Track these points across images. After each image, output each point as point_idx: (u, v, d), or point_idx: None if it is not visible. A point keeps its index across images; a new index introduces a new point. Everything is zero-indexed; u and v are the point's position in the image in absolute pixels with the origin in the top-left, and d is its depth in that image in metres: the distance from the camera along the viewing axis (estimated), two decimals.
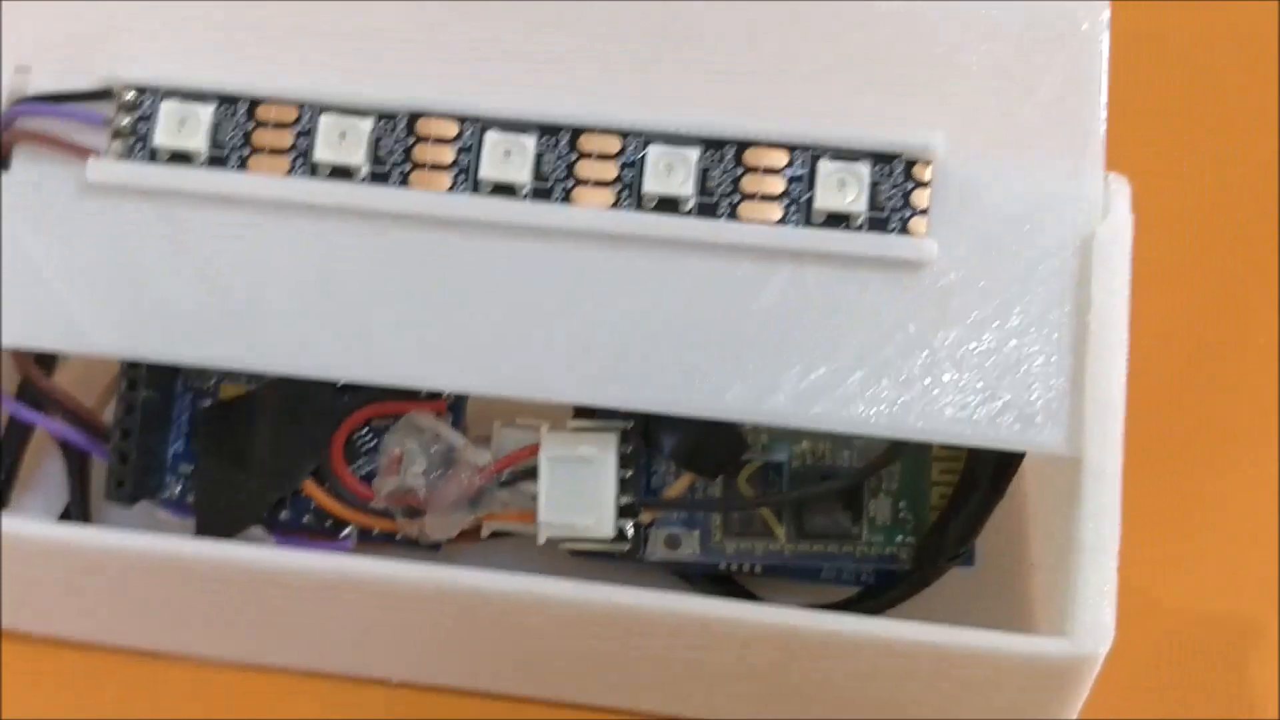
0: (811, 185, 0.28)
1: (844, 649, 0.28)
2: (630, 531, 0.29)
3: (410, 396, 0.30)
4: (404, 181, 0.29)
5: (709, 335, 0.28)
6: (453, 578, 0.28)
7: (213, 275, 0.29)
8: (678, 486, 0.30)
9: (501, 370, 0.28)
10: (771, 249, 0.28)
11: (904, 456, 0.30)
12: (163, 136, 0.29)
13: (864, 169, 0.28)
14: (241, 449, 0.30)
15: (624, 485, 0.29)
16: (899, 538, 0.30)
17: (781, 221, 0.28)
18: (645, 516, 0.30)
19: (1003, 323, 0.28)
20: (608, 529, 0.29)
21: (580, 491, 0.29)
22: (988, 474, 0.29)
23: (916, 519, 0.30)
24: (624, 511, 0.29)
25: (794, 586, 0.32)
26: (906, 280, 0.28)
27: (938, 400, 0.27)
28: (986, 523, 0.30)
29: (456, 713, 0.31)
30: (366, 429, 0.31)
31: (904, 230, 0.28)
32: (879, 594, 0.30)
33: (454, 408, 0.30)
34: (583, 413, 0.29)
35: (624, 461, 0.29)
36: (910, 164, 0.28)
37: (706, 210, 0.28)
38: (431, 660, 0.31)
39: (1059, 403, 0.27)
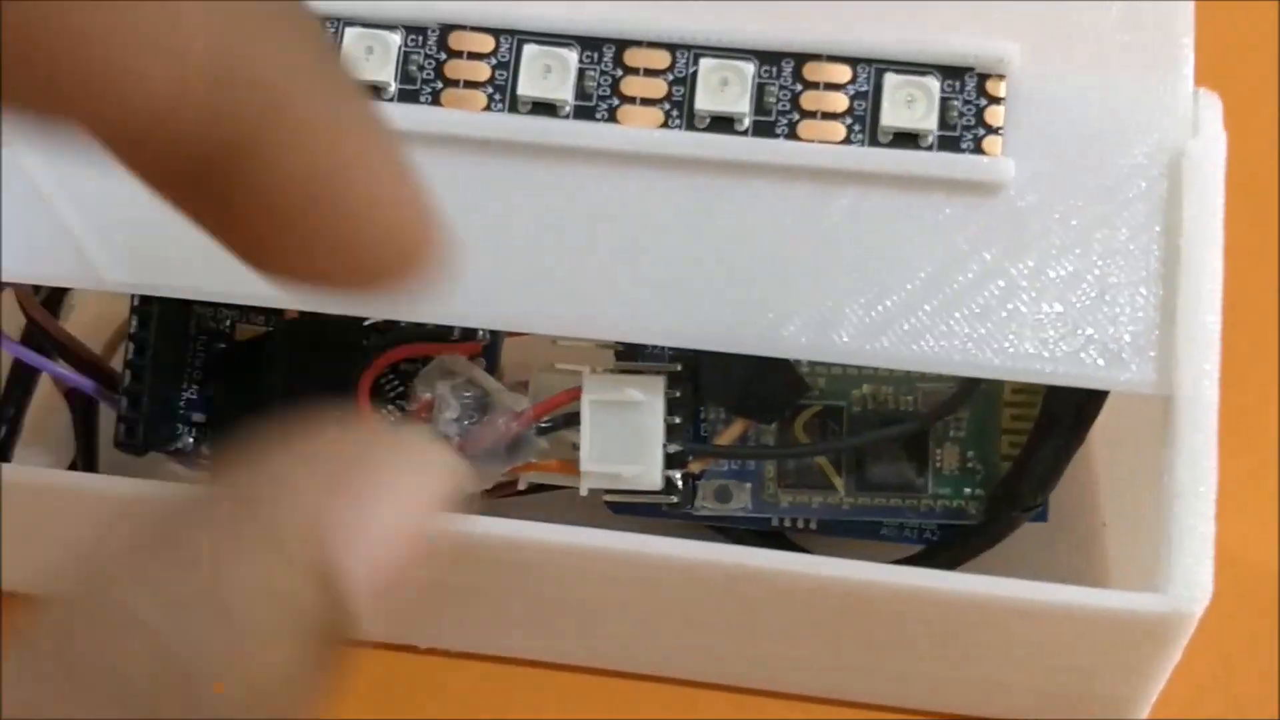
0: (877, 102, 0.26)
1: (919, 607, 0.26)
2: (679, 482, 0.27)
3: (441, 338, 0.28)
4: (435, 100, 0.27)
5: (766, 265, 0.26)
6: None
7: None
8: (729, 434, 0.28)
9: (540, 306, 0.26)
10: (834, 171, 0.26)
11: (974, 400, 0.27)
12: None
13: (933, 84, 0.26)
14: (260, 395, 0.28)
15: (672, 432, 0.27)
16: (967, 489, 0.28)
17: (845, 141, 0.26)
18: (695, 466, 0.28)
19: (1085, 249, 0.25)
20: (655, 479, 0.27)
21: (625, 438, 0.26)
22: (1067, 417, 0.27)
23: (986, 469, 0.28)
24: (672, 460, 0.27)
25: (852, 544, 0.29)
26: (980, 204, 0.26)
27: (1015, 334, 0.25)
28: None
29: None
30: (393, 373, 0.28)
31: (977, 150, 0.26)
32: (945, 550, 0.28)
33: (488, 352, 0.28)
34: (627, 357, 0.27)
35: (672, 407, 0.27)
36: (983, 78, 0.26)
37: (763, 130, 0.26)
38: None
39: (1148, 336, 0.25)
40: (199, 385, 0.29)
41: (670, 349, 0.27)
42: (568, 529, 0.26)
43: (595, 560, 0.26)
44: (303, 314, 0.28)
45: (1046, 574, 0.26)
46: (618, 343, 0.28)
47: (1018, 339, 0.25)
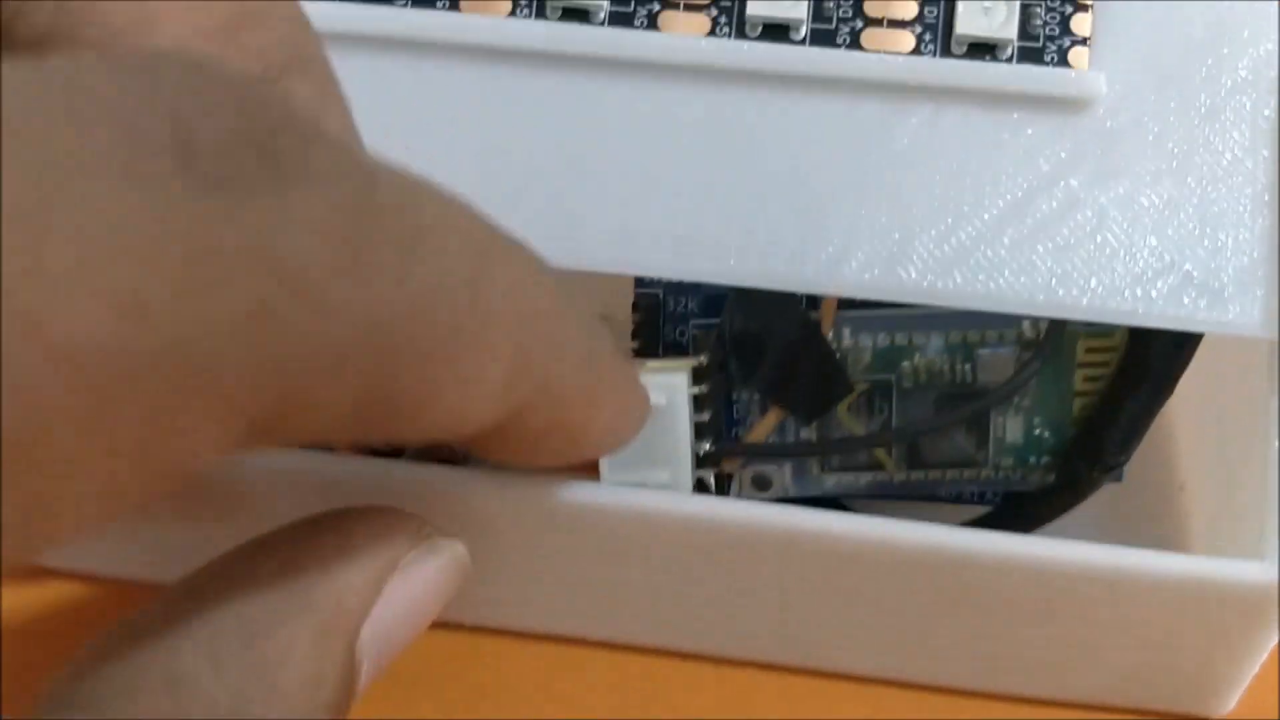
0: (950, 8, 0.23)
1: (990, 574, 0.23)
2: (713, 483, 0.24)
3: None
4: (453, 4, 0.24)
5: (824, 193, 0.23)
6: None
7: None
8: (766, 423, 0.25)
9: (570, 239, 0.23)
10: (901, 85, 0.23)
11: (1045, 363, 0.25)
12: None
13: None
14: None
15: (701, 430, 0.24)
16: (1031, 458, 0.25)
17: (914, 52, 0.23)
18: (730, 465, 0.25)
19: (1183, 175, 0.23)
20: (685, 483, 0.24)
21: (650, 444, 0.23)
22: (1157, 363, 0.24)
23: (1056, 437, 0.25)
24: (703, 460, 0.24)
25: (907, 508, 0.26)
26: (1066, 123, 0.23)
27: (1105, 270, 0.22)
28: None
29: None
30: None
31: (1062, 62, 0.23)
32: (1015, 514, 0.25)
33: None
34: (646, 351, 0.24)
35: (699, 403, 0.24)
36: None
37: (822, 39, 0.23)
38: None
39: (1253, 272, 0.22)
40: None
41: (695, 330, 0.25)
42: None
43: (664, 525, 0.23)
44: None
45: (1116, 542, 0.23)
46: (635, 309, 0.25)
47: (1109, 275, 0.22)
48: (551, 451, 0.18)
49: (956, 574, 0.23)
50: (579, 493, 0.23)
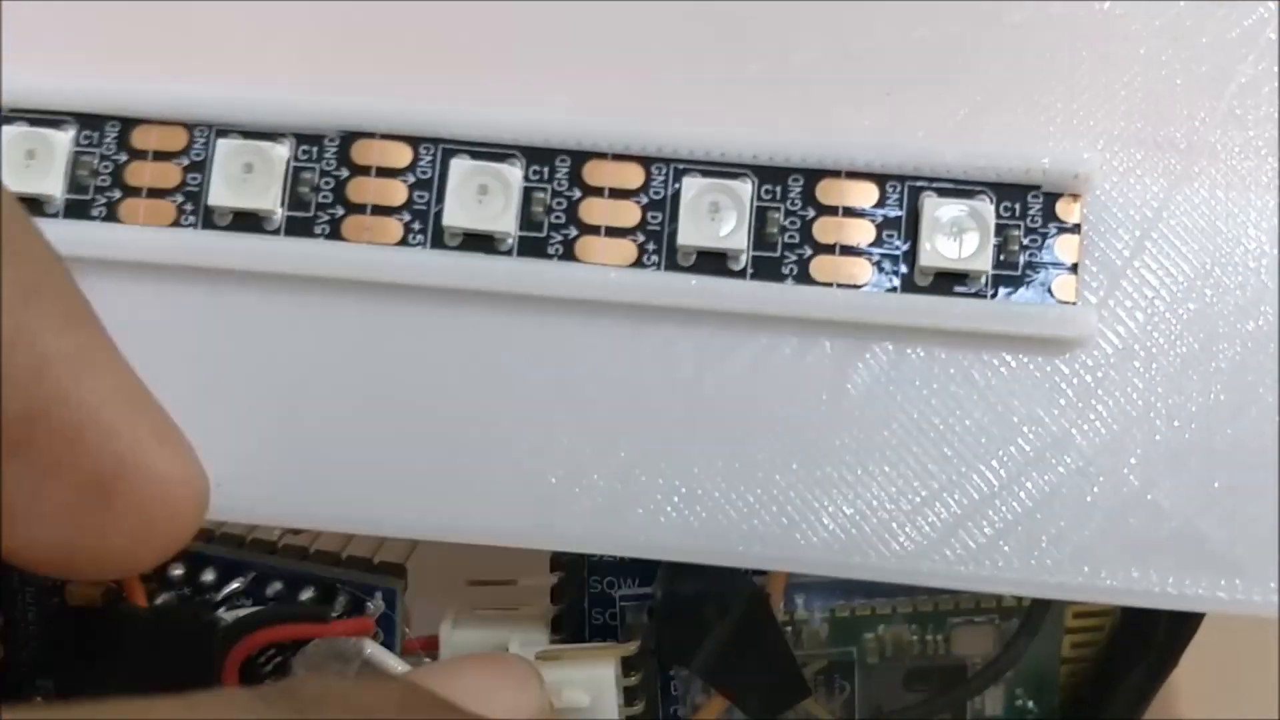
0: (913, 231, 0.20)
1: None
2: None
3: (319, 617, 0.21)
4: (334, 231, 0.20)
5: (778, 456, 0.20)
6: None
7: None
8: (708, 710, 0.21)
9: (460, 500, 0.20)
10: (859, 325, 0.20)
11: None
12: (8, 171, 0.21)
13: (986, 207, 0.20)
14: (106, 675, 0.22)
15: None
16: None
17: (871, 284, 0.20)
18: None
19: (1193, 427, 0.19)
20: None
21: None
22: (1158, 634, 0.20)
23: (1040, 710, 0.22)
24: None
25: None
26: (1050, 364, 0.20)
27: (1099, 540, 0.19)
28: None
29: None
30: (271, 649, 0.22)
31: (1048, 294, 0.20)
32: None
33: (383, 621, 0.21)
34: (566, 627, 0.21)
35: (630, 695, 0.20)
36: (1051, 199, 0.20)
37: (766, 270, 0.20)
38: None
39: (1270, 541, 0.19)
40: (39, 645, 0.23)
41: (622, 602, 0.21)
42: None
43: None
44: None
45: None
46: (554, 566, 0.22)
47: (1104, 547, 0.19)
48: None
49: None
50: None
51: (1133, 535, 0.19)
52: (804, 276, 0.20)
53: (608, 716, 0.20)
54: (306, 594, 0.21)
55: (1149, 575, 0.19)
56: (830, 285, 0.20)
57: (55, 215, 0.20)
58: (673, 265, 0.20)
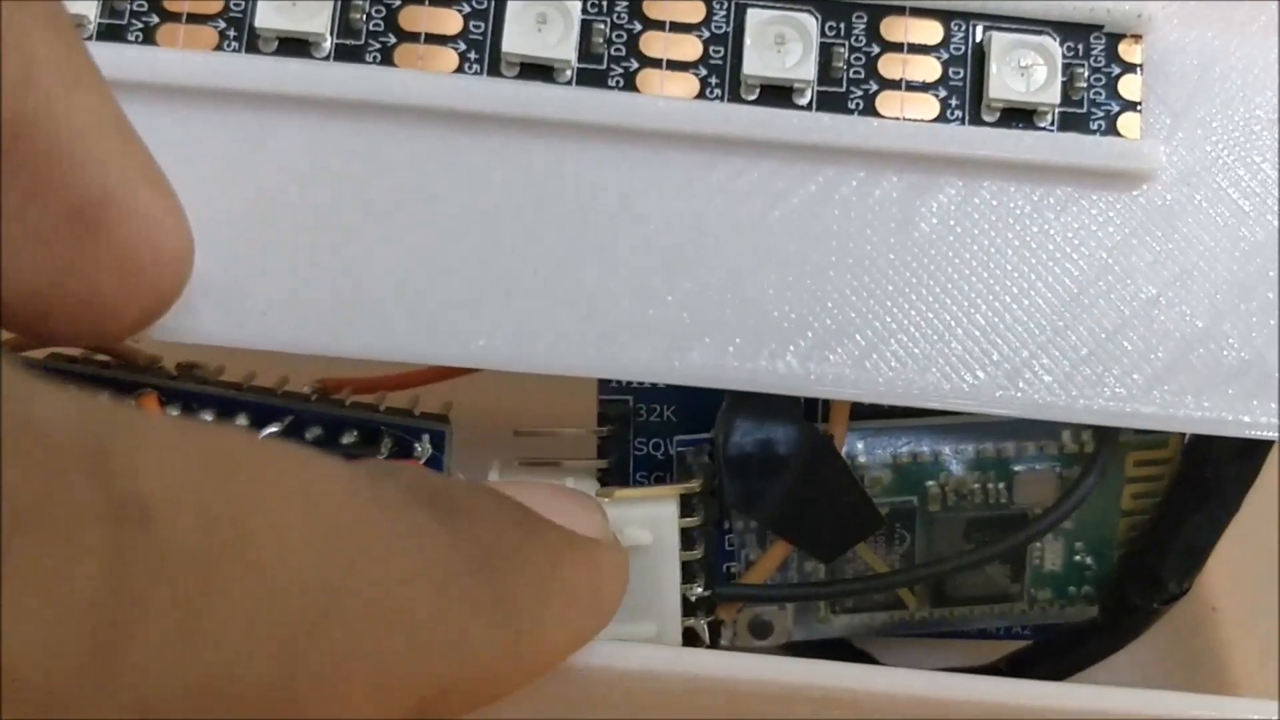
0: (980, 68, 0.20)
1: None
2: (706, 633, 0.20)
3: (364, 449, 0.20)
4: (384, 60, 0.20)
5: (842, 286, 0.19)
6: None
7: None
8: (769, 560, 0.21)
9: (521, 333, 0.19)
10: (926, 157, 0.19)
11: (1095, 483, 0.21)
12: None
13: (1052, 44, 0.20)
14: None
15: (689, 570, 0.19)
16: (1072, 589, 0.22)
17: (939, 119, 0.20)
18: (726, 612, 0.21)
19: (1257, 257, 0.19)
20: (674, 636, 0.19)
21: (631, 590, 0.19)
22: (1225, 477, 0.20)
23: (1099, 564, 0.21)
24: (694, 607, 0.20)
25: (927, 646, 0.23)
26: (1119, 199, 0.20)
27: (1168, 370, 0.19)
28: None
29: None
30: None
31: (1111, 130, 0.20)
32: (1056, 654, 0.21)
33: (431, 466, 0.21)
34: (615, 471, 0.20)
35: (688, 538, 0.19)
36: (1114, 39, 0.20)
37: (831, 103, 0.20)
38: None
39: None
40: None
41: (679, 448, 0.21)
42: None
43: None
44: None
45: (1142, 679, 0.20)
46: (601, 419, 0.21)
47: (1173, 376, 0.19)
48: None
49: None
50: None
51: (1203, 366, 0.19)
52: (870, 110, 0.20)
53: (669, 555, 0.19)
54: (348, 438, 0.20)
55: (1219, 404, 0.19)
56: (896, 119, 0.20)
57: (89, 39, 0.19)
58: (736, 98, 0.20)
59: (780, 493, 0.20)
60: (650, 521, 0.19)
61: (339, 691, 0.12)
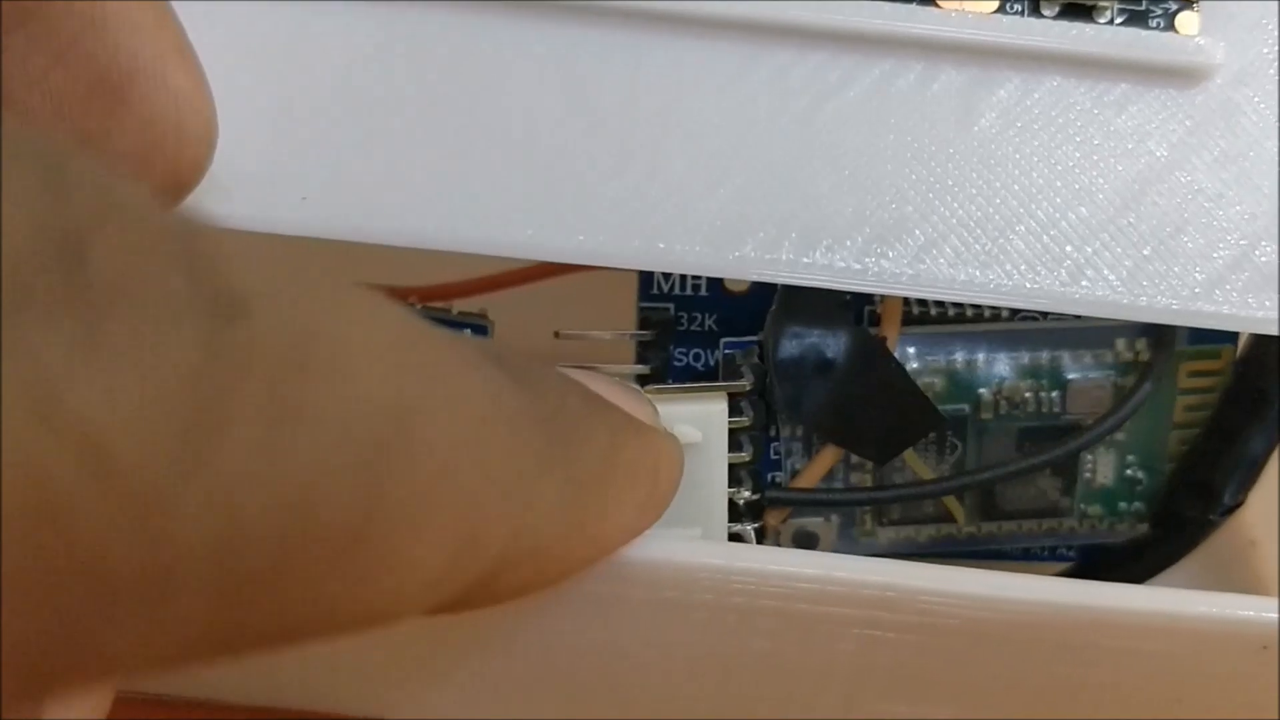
0: None
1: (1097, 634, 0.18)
2: (752, 538, 0.19)
3: None
4: None
5: (897, 179, 0.19)
6: None
7: None
8: (819, 466, 0.20)
9: (571, 230, 0.18)
10: (986, 49, 0.19)
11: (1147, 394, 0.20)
12: None
13: None
14: None
15: (738, 474, 0.19)
16: (1122, 504, 0.21)
17: (999, 10, 0.19)
18: (774, 517, 0.20)
19: None
20: (720, 541, 0.19)
21: (678, 491, 0.19)
22: (1271, 395, 0.20)
23: (1150, 478, 0.21)
24: (740, 512, 0.19)
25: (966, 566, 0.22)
26: (1181, 96, 0.19)
27: (1230, 269, 0.19)
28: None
29: None
30: None
31: (1169, 27, 0.19)
32: (1110, 568, 0.21)
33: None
34: (649, 370, 0.20)
35: (736, 441, 0.19)
36: None
37: None
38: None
39: None
40: None
41: (726, 350, 0.20)
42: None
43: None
44: None
45: None
46: (642, 326, 0.21)
47: (1241, 275, 0.19)
48: (543, 588, 0.15)
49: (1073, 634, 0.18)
50: None
51: (1265, 265, 0.19)
52: (929, 0, 0.19)
53: (717, 455, 0.18)
54: None
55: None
56: (957, 8, 0.19)
57: None
58: None
59: (830, 396, 0.19)
60: (699, 419, 0.18)
61: (416, 529, 0.11)
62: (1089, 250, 0.19)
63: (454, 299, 0.21)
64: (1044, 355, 0.20)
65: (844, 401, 0.19)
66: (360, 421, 0.10)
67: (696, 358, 0.21)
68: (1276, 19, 0.19)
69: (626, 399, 0.17)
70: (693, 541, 0.17)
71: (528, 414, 0.13)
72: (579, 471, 0.14)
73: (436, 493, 0.11)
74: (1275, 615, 0.17)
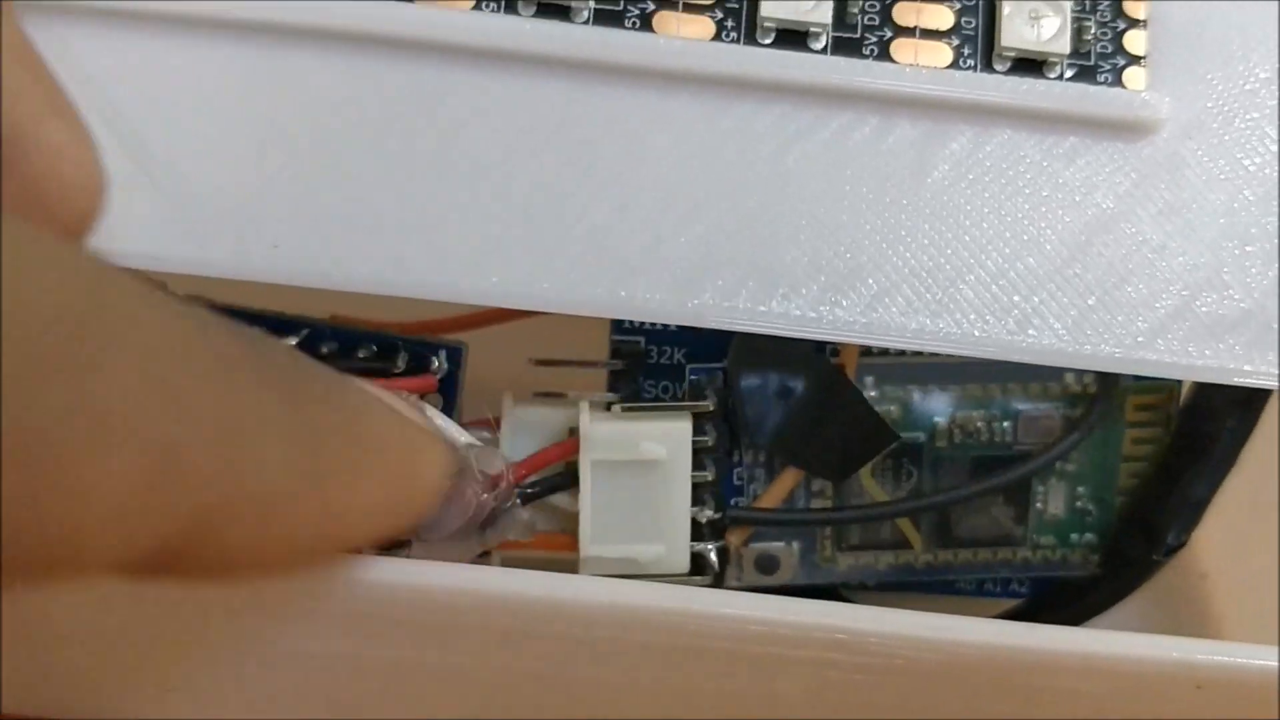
0: (992, 17, 0.20)
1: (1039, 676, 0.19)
2: (714, 558, 0.20)
3: (382, 373, 0.20)
4: None
5: (854, 229, 0.19)
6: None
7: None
8: (778, 487, 0.21)
9: (537, 268, 0.19)
10: (939, 103, 0.20)
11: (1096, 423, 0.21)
12: None
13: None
14: None
15: (702, 493, 0.20)
16: (1074, 535, 0.22)
17: (952, 66, 0.20)
18: (736, 537, 0.21)
19: (1258, 209, 0.20)
20: (681, 561, 0.20)
21: (640, 508, 0.19)
22: (1223, 431, 0.21)
23: (1100, 510, 0.22)
24: (703, 531, 0.20)
25: (919, 605, 0.23)
26: (1127, 149, 0.20)
27: (1171, 319, 0.19)
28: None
29: None
30: None
31: (1116, 83, 0.20)
32: (1054, 607, 0.22)
33: (446, 384, 0.21)
34: (629, 394, 0.20)
35: (700, 461, 0.20)
36: None
37: (846, 48, 0.20)
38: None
39: None
40: None
41: (691, 375, 0.21)
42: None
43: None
44: None
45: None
46: (614, 358, 0.21)
47: (1176, 325, 0.19)
48: (274, 561, 0.14)
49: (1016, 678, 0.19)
50: (542, 585, 0.18)
51: (1205, 315, 0.19)
52: (884, 56, 0.20)
53: (681, 472, 0.19)
54: (364, 352, 0.20)
55: (1220, 353, 0.19)
56: (911, 65, 0.20)
57: None
58: (752, 41, 0.20)
59: (791, 419, 0.20)
60: (665, 436, 0.19)
61: (93, 436, 0.10)
62: (1036, 300, 0.19)
63: (436, 334, 0.22)
64: (996, 387, 0.21)
65: (803, 424, 0.20)
66: (36, 323, 0.10)
67: (665, 390, 0.22)
68: (1221, 74, 0.20)
69: (397, 402, 0.17)
70: (643, 585, 0.18)
71: (252, 368, 0.13)
72: (313, 426, 0.14)
73: (125, 409, 0.11)
74: (1207, 656, 0.18)
